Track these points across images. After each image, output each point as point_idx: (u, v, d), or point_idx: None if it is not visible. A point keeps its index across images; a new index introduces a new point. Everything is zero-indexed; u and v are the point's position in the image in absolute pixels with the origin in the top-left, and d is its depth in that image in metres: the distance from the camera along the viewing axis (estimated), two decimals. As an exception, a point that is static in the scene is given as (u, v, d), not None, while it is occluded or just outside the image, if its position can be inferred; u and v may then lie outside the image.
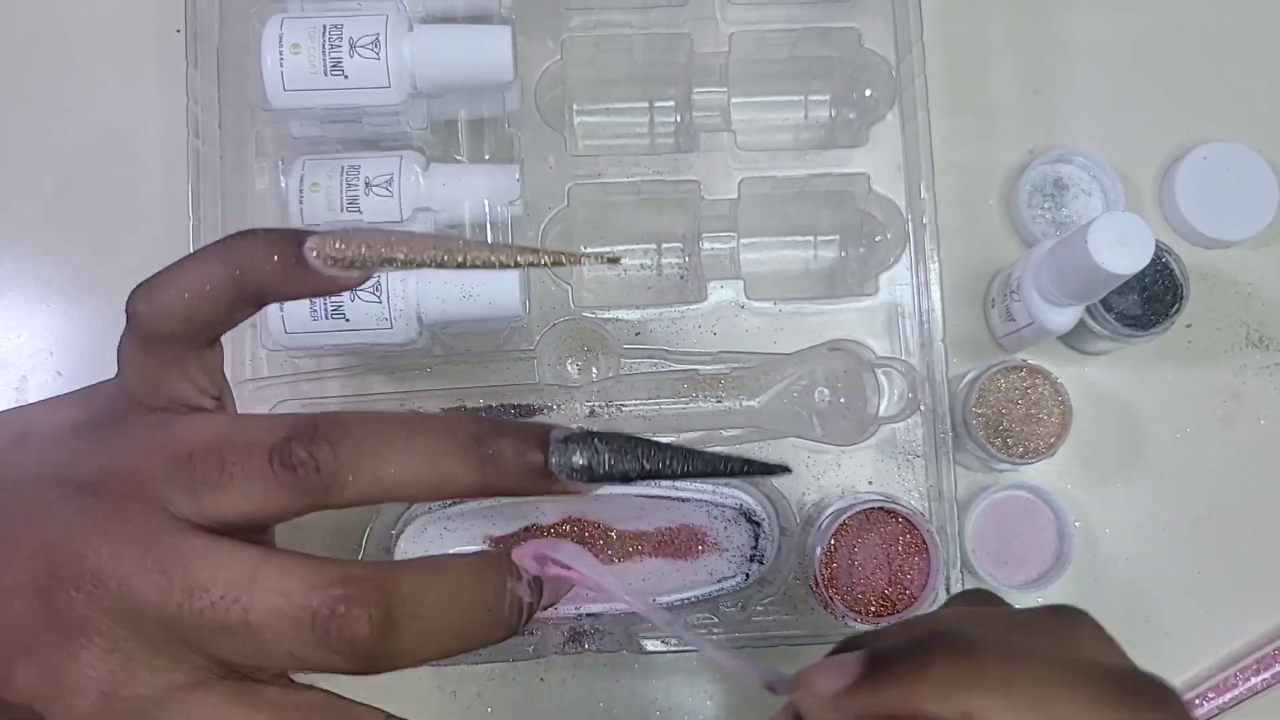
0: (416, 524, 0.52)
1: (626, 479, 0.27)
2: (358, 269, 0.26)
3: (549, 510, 0.53)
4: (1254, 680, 0.57)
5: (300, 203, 0.53)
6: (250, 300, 0.27)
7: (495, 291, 0.51)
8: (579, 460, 0.26)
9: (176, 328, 0.26)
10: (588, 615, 0.52)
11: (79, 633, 0.24)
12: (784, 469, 0.29)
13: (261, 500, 0.25)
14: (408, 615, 0.24)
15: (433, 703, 0.56)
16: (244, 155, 0.55)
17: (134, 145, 0.61)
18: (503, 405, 0.53)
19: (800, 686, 0.27)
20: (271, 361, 0.55)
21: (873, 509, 0.50)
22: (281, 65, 0.51)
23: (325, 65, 0.51)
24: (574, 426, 0.27)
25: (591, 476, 0.27)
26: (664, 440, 0.27)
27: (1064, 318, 0.53)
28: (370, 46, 0.51)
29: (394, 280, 0.50)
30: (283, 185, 0.54)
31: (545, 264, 0.27)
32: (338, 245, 0.26)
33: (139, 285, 0.26)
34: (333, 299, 0.50)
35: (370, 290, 0.50)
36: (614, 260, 0.28)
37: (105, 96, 0.62)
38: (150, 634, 0.24)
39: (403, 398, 0.54)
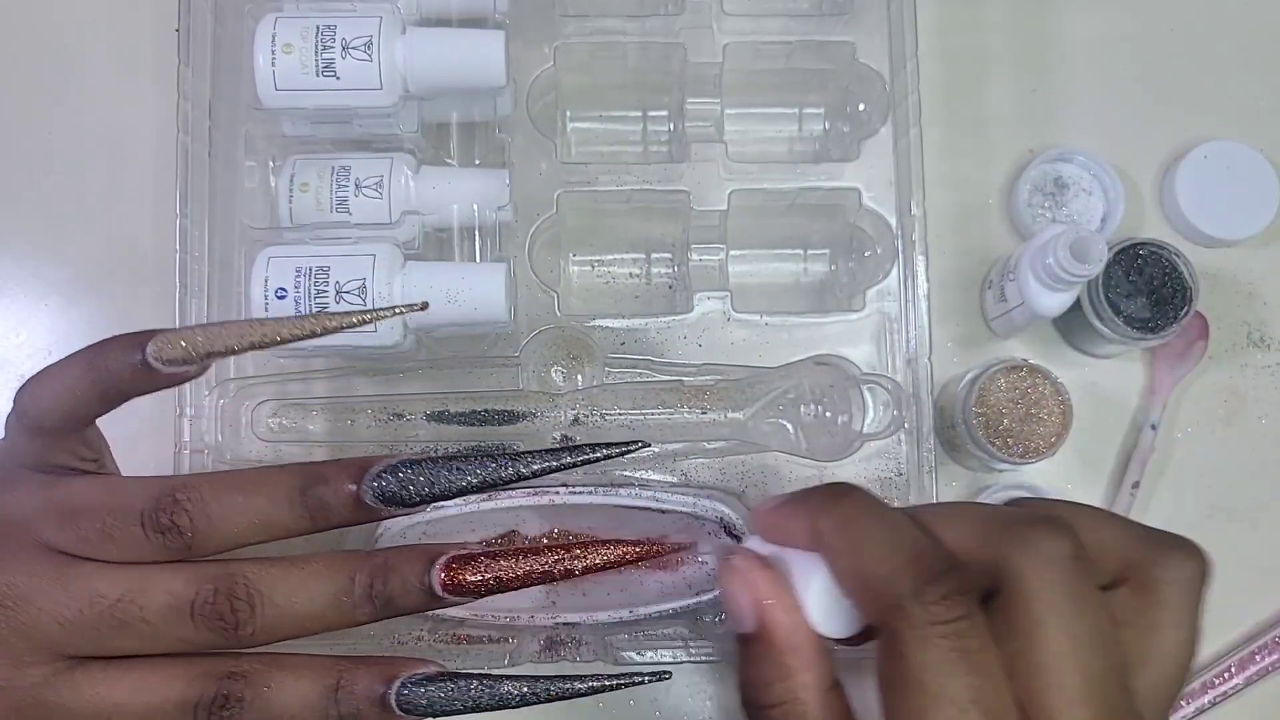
0: (395, 530, 0.52)
1: (437, 498, 0.32)
2: (193, 364, 0.32)
3: (529, 518, 0.53)
4: (1237, 680, 0.58)
5: (290, 202, 0.53)
6: (112, 398, 0.33)
7: (481, 296, 0.51)
8: (387, 487, 0.32)
9: (55, 423, 0.33)
10: (564, 624, 0.52)
11: None
12: (639, 445, 0.33)
13: (137, 556, 0.31)
14: (263, 600, 0.31)
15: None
16: (234, 153, 0.54)
17: (133, 144, 0.61)
18: (486, 410, 0.53)
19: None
20: (256, 360, 0.55)
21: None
22: (274, 65, 0.51)
23: (317, 66, 0.51)
24: (392, 458, 0.32)
25: (402, 502, 0.32)
26: (476, 455, 0.32)
27: (1054, 301, 0.54)
28: (363, 48, 0.51)
29: (380, 283, 0.50)
30: (272, 184, 0.54)
31: (358, 323, 0.33)
32: (172, 346, 0.32)
33: (25, 383, 0.33)
34: (318, 299, 0.50)
35: (355, 292, 0.50)
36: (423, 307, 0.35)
37: (105, 96, 0.62)
38: (37, 638, 0.30)
39: (386, 400, 0.53)
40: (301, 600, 0.31)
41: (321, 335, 0.33)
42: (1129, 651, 0.27)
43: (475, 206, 0.54)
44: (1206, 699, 0.57)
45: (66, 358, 0.32)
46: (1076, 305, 0.56)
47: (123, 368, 0.32)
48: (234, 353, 0.32)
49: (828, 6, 0.58)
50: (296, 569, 0.32)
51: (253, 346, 0.32)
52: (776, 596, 0.29)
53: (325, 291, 0.50)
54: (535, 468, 0.32)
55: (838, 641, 0.30)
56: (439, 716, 0.32)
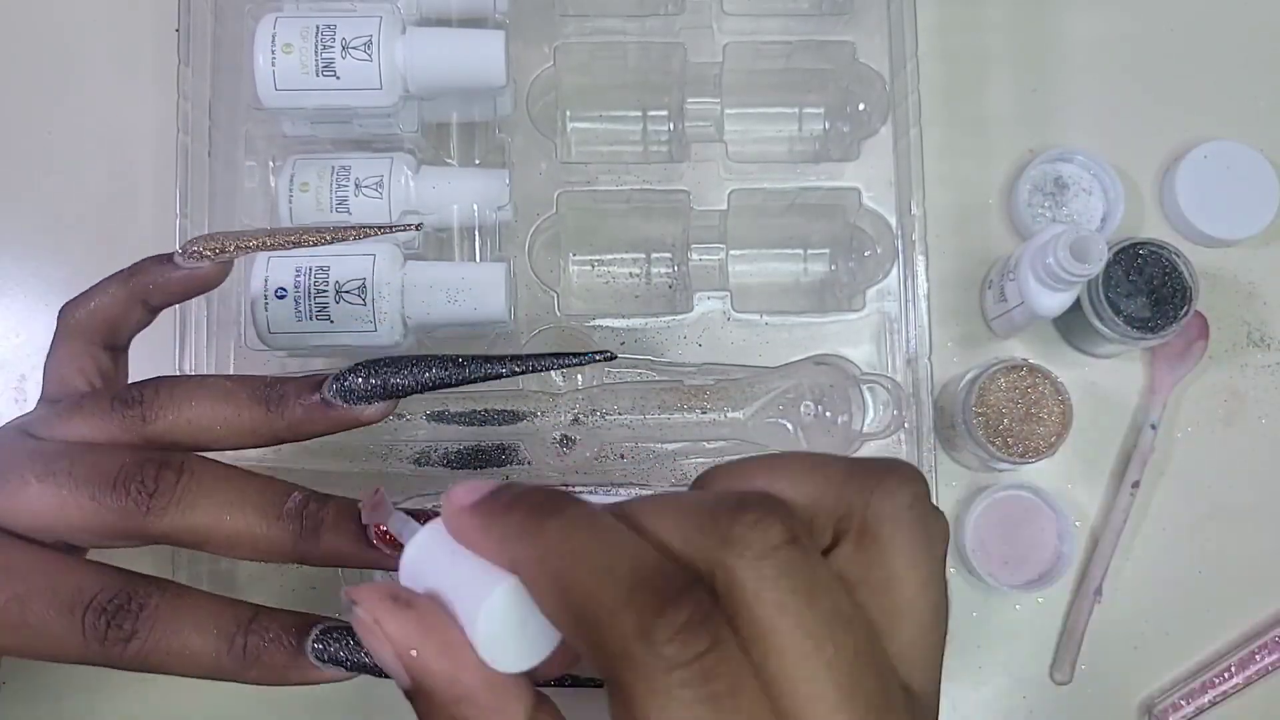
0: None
1: (401, 392, 0.34)
2: (209, 258, 0.37)
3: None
4: (1237, 680, 0.58)
5: (289, 202, 0.53)
6: (138, 299, 0.38)
7: (481, 296, 0.51)
8: (349, 381, 0.34)
9: (83, 320, 0.37)
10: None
11: None
12: (605, 354, 0.35)
13: (101, 425, 0.34)
14: (193, 476, 0.33)
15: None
16: (234, 153, 0.55)
17: (133, 144, 0.61)
18: (486, 410, 0.53)
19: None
20: (255, 362, 0.55)
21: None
22: (274, 65, 0.51)
23: (317, 66, 0.51)
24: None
25: (362, 394, 0.34)
26: (442, 355, 0.34)
27: (1054, 301, 0.54)
28: (363, 48, 0.51)
29: (380, 282, 0.50)
30: (272, 184, 0.54)
31: (363, 236, 0.39)
32: (195, 243, 0.37)
33: (68, 301, 0.38)
34: (318, 299, 0.50)
35: (355, 292, 0.50)
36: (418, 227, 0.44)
37: (105, 96, 0.62)
38: None
39: (386, 400, 0.53)
40: (232, 487, 0.33)
41: (330, 243, 0.38)
42: (874, 615, 0.23)
43: (475, 206, 0.54)
44: (1206, 699, 0.57)
45: (104, 278, 0.38)
46: (1076, 305, 0.56)
47: (154, 270, 0.37)
48: (249, 249, 0.38)
49: (828, 6, 0.58)
50: (240, 470, 0.34)
51: (263, 247, 0.37)
52: (420, 641, 0.23)
53: (325, 291, 0.50)
54: (486, 371, 0.35)
55: (542, 679, 0.24)
56: (351, 669, 0.32)
